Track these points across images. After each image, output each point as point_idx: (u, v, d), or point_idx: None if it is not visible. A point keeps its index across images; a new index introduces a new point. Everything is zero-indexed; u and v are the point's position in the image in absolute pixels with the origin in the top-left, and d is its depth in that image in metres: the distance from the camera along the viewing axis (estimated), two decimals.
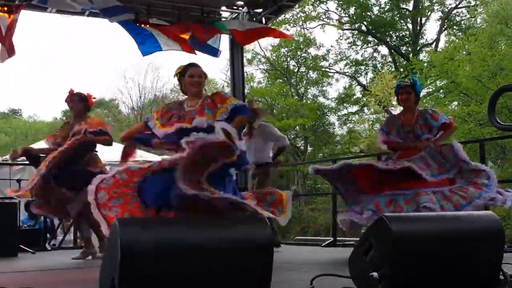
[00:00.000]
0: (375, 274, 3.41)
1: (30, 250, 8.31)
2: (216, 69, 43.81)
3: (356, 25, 35.12)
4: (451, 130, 6.78)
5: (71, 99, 7.48)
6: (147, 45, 9.50)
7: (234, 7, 11.15)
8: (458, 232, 3.60)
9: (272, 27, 11.10)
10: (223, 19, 11.09)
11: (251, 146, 8.21)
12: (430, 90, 30.87)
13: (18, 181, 9.68)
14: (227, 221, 3.64)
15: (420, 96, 7.29)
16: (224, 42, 11.30)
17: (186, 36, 10.07)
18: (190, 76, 5.59)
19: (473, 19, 33.18)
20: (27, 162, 11.84)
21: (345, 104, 36.15)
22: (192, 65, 5.77)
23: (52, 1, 8.98)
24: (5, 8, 8.75)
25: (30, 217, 10.48)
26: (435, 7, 34.29)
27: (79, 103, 7.45)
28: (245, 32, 10.41)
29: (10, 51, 8.84)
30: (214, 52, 10.40)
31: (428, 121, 6.62)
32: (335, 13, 35.10)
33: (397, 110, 7.40)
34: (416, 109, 6.78)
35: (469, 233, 3.61)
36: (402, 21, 35.50)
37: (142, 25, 9.78)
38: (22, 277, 5.47)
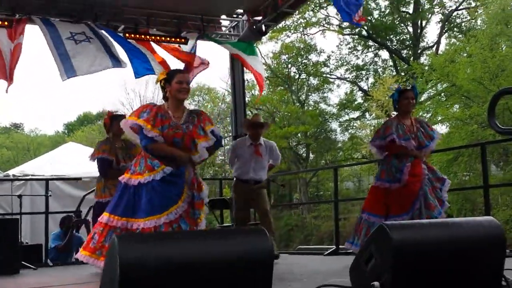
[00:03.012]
0: (376, 283, 3.39)
1: (32, 266, 8.27)
2: (216, 77, 43.88)
3: (357, 30, 35.14)
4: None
5: (115, 120, 7.58)
6: (141, 68, 9.48)
7: (234, 15, 11.13)
8: (459, 238, 3.58)
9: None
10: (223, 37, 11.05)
11: (258, 162, 8.13)
12: (431, 94, 30.87)
13: (19, 196, 9.64)
14: (226, 234, 3.61)
15: (421, 99, 7.37)
16: (224, 50, 11.24)
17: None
18: (178, 83, 5.54)
19: (473, 21, 33.21)
20: (28, 177, 11.93)
21: (346, 110, 36.18)
22: (180, 71, 5.78)
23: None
24: (6, 23, 8.67)
25: (65, 234, 10.33)
26: (435, 10, 34.40)
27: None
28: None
29: (10, 78, 8.74)
30: None
31: (426, 130, 6.69)
32: (335, 18, 35.13)
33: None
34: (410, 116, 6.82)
35: (470, 240, 3.59)
36: (402, 25, 35.58)
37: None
38: None
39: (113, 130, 7.64)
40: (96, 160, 7.54)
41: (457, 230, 3.65)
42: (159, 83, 5.72)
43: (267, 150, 8.25)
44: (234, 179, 8.18)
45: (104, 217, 5.47)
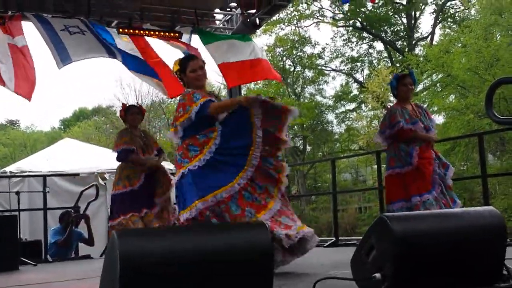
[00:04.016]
0: (377, 275, 3.39)
1: (32, 262, 8.27)
2: (211, 70, 43.71)
3: (351, 22, 35.14)
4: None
5: (128, 112, 7.73)
6: (135, 63, 9.48)
7: (228, 9, 11.11)
8: (460, 229, 3.57)
9: (263, 59, 10.76)
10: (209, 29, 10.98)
11: None
12: (427, 84, 30.89)
13: (17, 193, 9.63)
14: (226, 228, 3.61)
15: (417, 90, 7.34)
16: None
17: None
18: (193, 71, 5.47)
19: (467, 11, 33.21)
20: (26, 174, 11.91)
21: (342, 102, 36.24)
22: (191, 59, 5.65)
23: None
24: None
25: (65, 229, 10.33)
26: (429, 0, 34.34)
27: (138, 116, 7.79)
28: (233, 70, 10.18)
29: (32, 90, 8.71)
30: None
31: (426, 117, 6.66)
32: (329, 10, 35.10)
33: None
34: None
35: (471, 230, 3.58)
36: (396, 16, 35.55)
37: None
38: None
39: (129, 121, 7.72)
40: (118, 152, 7.52)
41: (458, 221, 3.64)
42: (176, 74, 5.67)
43: None
44: None
45: (198, 204, 5.10)
